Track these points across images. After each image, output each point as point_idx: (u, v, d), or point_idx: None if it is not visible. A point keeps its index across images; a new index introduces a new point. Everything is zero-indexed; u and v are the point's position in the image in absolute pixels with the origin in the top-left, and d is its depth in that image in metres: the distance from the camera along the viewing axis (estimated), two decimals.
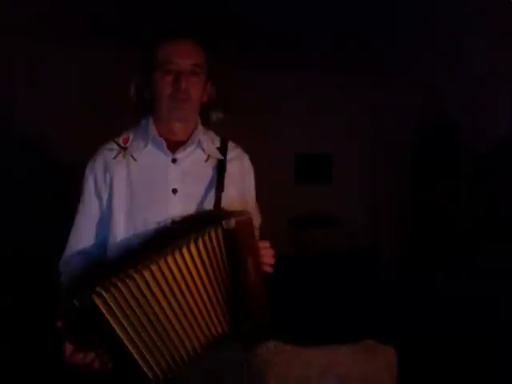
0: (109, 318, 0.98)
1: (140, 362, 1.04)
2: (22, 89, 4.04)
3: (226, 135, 1.35)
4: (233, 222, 1.06)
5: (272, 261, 1.16)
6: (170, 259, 1.02)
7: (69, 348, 1.00)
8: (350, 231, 5.21)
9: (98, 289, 0.96)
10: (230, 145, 1.32)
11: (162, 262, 1.02)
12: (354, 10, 3.42)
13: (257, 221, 1.30)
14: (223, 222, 1.05)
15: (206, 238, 1.05)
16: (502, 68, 4.11)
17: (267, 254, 1.16)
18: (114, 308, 0.98)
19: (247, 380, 1.27)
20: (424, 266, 4.53)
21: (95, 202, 1.24)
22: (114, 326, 1.00)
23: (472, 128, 4.65)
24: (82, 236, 1.26)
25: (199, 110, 1.30)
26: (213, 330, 1.10)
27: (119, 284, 0.98)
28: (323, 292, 3.82)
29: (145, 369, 1.05)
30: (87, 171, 1.25)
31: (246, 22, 3.64)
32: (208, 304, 1.09)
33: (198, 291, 1.07)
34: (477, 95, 4.59)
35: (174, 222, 1.17)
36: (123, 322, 1.00)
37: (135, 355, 1.03)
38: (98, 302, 0.96)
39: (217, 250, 1.07)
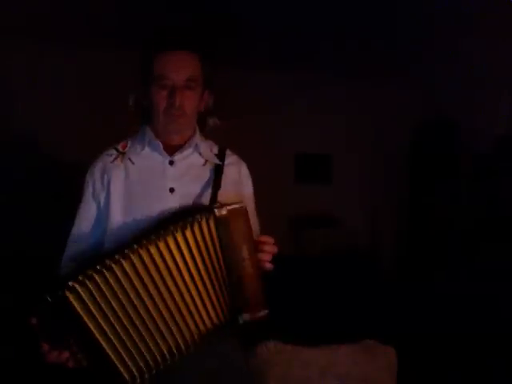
0: (82, 314, 0.96)
1: (116, 361, 1.00)
2: (21, 89, 4.04)
3: (226, 137, 1.35)
4: (225, 209, 1.05)
5: (270, 258, 1.15)
6: (152, 248, 1.00)
7: (45, 346, 0.99)
8: (350, 231, 5.21)
9: (70, 283, 0.94)
10: (228, 152, 1.33)
11: (143, 251, 0.99)
12: (354, 9, 3.42)
13: (256, 227, 1.29)
14: (215, 210, 1.05)
15: (196, 226, 1.04)
16: (502, 68, 4.11)
17: (268, 250, 1.14)
18: (89, 303, 0.96)
19: (246, 378, 1.25)
20: (424, 266, 4.53)
21: (93, 205, 1.25)
22: (88, 322, 0.97)
23: (472, 128, 4.65)
24: (81, 238, 1.26)
25: (197, 117, 1.31)
26: (201, 326, 1.07)
27: (95, 276, 0.96)
28: (323, 292, 3.82)
29: (121, 368, 1.01)
30: (87, 176, 1.27)
31: (246, 22, 3.63)
32: (197, 297, 1.06)
33: (185, 283, 1.05)
34: (477, 95, 4.58)
35: (167, 216, 1.16)
36: (98, 318, 0.97)
37: (111, 354, 0.99)
38: (70, 297, 0.94)
39: (208, 238, 1.05)
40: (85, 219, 1.26)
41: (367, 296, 3.85)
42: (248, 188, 1.36)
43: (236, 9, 3.39)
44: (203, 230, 1.05)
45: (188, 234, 1.03)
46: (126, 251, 0.98)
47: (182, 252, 1.03)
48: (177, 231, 1.02)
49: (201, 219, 1.04)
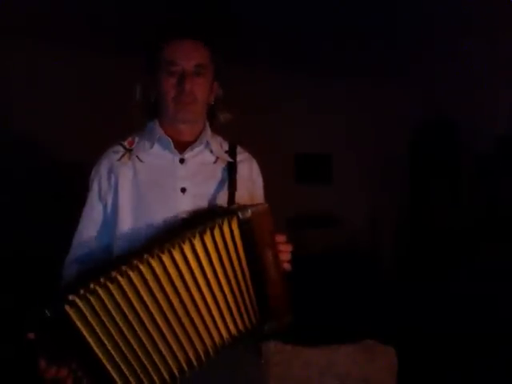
0: (82, 329, 0.89)
1: (118, 380, 0.93)
2: (21, 89, 4.04)
3: (231, 137, 1.32)
4: (249, 211, 0.96)
5: (289, 257, 1.07)
6: (165, 257, 0.91)
7: (42, 362, 0.92)
8: (350, 231, 5.20)
9: (71, 297, 0.87)
10: (239, 149, 1.28)
11: (154, 261, 0.91)
12: (354, 10, 3.42)
13: None
14: (238, 212, 0.96)
15: (217, 230, 0.95)
16: (502, 68, 4.11)
17: (285, 249, 1.07)
18: (91, 318, 0.89)
19: (263, 368, 1.20)
20: (424, 265, 4.53)
21: (99, 206, 1.19)
22: (89, 339, 0.90)
23: (472, 128, 4.65)
24: (86, 240, 1.20)
25: (206, 111, 1.26)
26: (217, 340, 0.99)
27: (98, 289, 0.89)
28: (323, 292, 3.82)
29: None
30: (92, 174, 1.22)
31: (246, 22, 3.63)
32: (214, 310, 0.98)
33: (202, 295, 0.96)
34: (477, 95, 4.58)
35: (182, 218, 1.09)
36: (101, 334, 0.90)
37: (113, 373, 0.92)
38: (70, 312, 0.87)
39: (230, 244, 0.96)
40: (90, 220, 1.20)
41: (367, 296, 3.85)
42: (259, 186, 1.30)
43: (236, 9, 3.39)
44: (225, 234, 0.96)
45: (207, 239, 0.94)
46: (134, 262, 0.90)
47: (200, 261, 0.95)
48: (194, 237, 0.93)
49: (222, 222, 0.95)
